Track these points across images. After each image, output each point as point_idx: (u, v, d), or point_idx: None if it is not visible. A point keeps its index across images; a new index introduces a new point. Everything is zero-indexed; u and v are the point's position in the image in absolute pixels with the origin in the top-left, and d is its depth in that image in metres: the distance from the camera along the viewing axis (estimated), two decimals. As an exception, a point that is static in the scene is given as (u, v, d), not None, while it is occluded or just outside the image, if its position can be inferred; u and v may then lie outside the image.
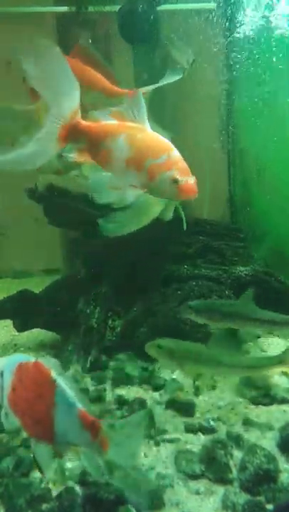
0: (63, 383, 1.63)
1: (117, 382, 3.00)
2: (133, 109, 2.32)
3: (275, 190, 4.40)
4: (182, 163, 2.21)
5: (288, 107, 4.13)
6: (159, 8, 4.47)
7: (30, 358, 1.68)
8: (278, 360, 2.51)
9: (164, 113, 4.95)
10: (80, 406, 1.59)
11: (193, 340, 3.20)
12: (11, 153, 2.12)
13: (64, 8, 4.73)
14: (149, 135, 2.30)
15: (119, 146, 2.29)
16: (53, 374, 1.62)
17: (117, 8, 4.56)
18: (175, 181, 2.15)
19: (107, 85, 3.00)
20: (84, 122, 2.32)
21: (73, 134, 2.32)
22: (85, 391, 2.90)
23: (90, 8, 4.74)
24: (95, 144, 2.36)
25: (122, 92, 2.94)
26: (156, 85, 3.03)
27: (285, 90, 4.15)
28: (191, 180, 2.17)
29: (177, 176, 2.15)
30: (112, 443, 1.53)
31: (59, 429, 1.56)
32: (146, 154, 2.23)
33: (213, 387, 2.92)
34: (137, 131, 2.31)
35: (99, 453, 1.53)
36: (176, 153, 2.22)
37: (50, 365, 1.64)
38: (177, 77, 3.01)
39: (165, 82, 3.09)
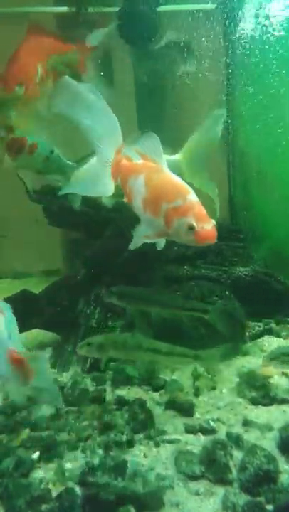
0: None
1: (117, 383, 2.99)
2: (149, 148, 2.28)
3: (275, 191, 4.41)
4: (199, 208, 2.12)
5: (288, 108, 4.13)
6: (158, 8, 4.47)
7: None
8: (194, 355, 2.58)
9: (163, 113, 4.96)
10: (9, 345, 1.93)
11: (193, 340, 3.22)
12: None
13: (64, 9, 4.73)
14: (166, 177, 2.24)
15: (139, 185, 2.26)
16: None
17: (116, 9, 4.56)
18: (191, 228, 2.06)
19: (59, 45, 3.08)
20: (124, 162, 2.32)
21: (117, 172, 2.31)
22: (85, 391, 2.90)
23: (90, 9, 4.74)
24: (124, 182, 2.34)
25: (70, 47, 3.01)
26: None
27: (285, 92, 4.15)
28: (208, 226, 2.08)
29: (193, 223, 2.06)
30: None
31: None
32: (162, 197, 2.17)
33: (213, 388, 2.92)
34: (155, 172, 2.26)
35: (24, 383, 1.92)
36: (192, 197, 2.14)
37: None
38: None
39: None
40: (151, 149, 2.28)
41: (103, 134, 2.21)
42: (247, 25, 4.20)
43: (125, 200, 2.40)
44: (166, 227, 2.16)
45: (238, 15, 4.21)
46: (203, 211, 2.12)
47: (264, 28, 4.14)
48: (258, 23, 4.15)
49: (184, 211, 2.09)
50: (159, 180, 2.25)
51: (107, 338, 2.64)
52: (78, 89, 2.14)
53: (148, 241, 2.34)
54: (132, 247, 2.39)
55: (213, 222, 2.09)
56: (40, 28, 3.03)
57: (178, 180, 2.22)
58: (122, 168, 2.33)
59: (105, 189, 2.29)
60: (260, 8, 4.12)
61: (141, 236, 2.30)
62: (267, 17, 4.11)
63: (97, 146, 2.21)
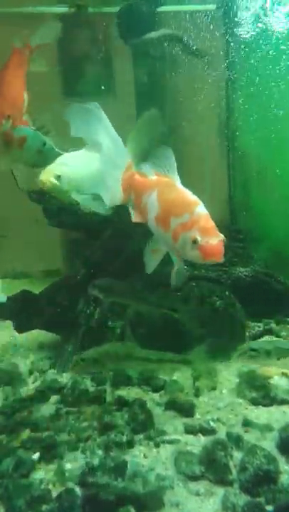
0: None
1: (117, 383, 2.99)
2: (162, 162, 2.23)
3: (275, 191, 4.41)
4: (205, 221, 1.98)
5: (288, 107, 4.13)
6: (158, 9, 4.47)
7: None
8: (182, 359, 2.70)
9: (163, 113, 4.95)
10: None
11: (192, 340, 3.22)
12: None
13: (64, 9, 4.73)
14: (177, 191, 2.15)
15: (152, 201, 2.19)
16: None
17: (116, 9, 4.57)
18: (195, 242, 1.92)
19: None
20: (137, 177, 2.28)
21: (129, 187, 2.28)
22: (85, 392, 2.90)
23: (90, 9, 4.74)
24: (138, 198, 2.27)
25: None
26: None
27: (285, 91, 4.15)
28: (214, 241, 1.93)
29: (197, 236, 1.92)
30: None
31: None
32: (171, 212, 2.07)
33: (213, 388, 2.92)
34: (167, 187, 2.19)
35: None
36: (200, 210, 2.02)
37: None
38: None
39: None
40: (165, 163, 2.23)
41: (110, 151, 2.20)
42: (248, 25, 4.20)
43: (135, 219, 2.33)
44: (174, 243, 2.05)
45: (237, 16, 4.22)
46: (210, 224, 1.98)
47: (265, 26, 4.15)
48: (259, 23, 4.15)
49: (189, 225, 1.97)
50: (170, 196, 2.16)
51: (99, 352, 2.59)
52: (88, 112, 2.15)
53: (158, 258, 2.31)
54: (147, 270, 2.38)
55: (222, 236, 1.97)
56: (22, 51, 3.01)
57: (187, 194, 2.12)
58: (136, 185, 2.28)
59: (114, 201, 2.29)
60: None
61: (151, 254, 2.28)
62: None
63: (105, 162, 2.22)
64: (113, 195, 2.27)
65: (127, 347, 2.66)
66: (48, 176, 2.57)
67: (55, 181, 2.57)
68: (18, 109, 2.80)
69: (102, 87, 4.92)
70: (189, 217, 1.99)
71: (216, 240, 1.94)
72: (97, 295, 3.04)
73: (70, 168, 2.64)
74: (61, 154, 2.75)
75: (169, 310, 3.00)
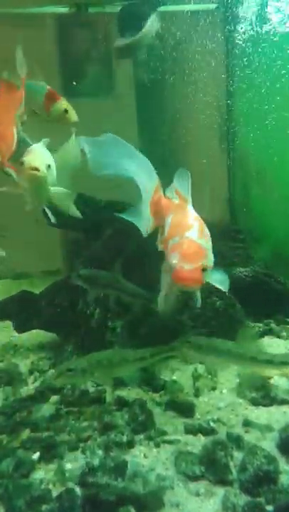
0: None
1: (117, 384, 2.99)
2: (181, 185, 2.26)
3: (275, 192, 4.41)
4: (188, 246, 1.92)
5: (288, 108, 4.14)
6: (159, 9, 4.47)
7: None
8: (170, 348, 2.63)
9: (162, 114, 4.96)
10: None
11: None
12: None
13: (64, 9, 4.73)
14: (182, 215, 2.15)
15: (168, 224, 2.18)
16: None
17: (117, 9, 4.57)
18: (173, 265, 1.87)
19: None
20: (163, 200, 2.29)
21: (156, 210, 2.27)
22: (85, 392, 2.89)
23: (90, 9, 4.75)
24: (163, 219, 2.26)
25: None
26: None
27: (285, 92, 4.16)
28: (189, 267, 1.83)
29: (174, 260, 1.87)
30: None
31: None
32: (170, 235, 2.05)
33: (213, 389, 2.92)
34: (179, 210, 2.19)
35: None
36: (190, 234, 1.98)
37: None
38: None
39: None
40: (183, 186, 2.24)
41: (142, 176, 2.21)
42: (247, 27, 4.21)
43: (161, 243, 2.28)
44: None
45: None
46: (192, 250, 1.90)
47: (265, 29, 4.15)
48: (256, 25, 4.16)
49: (174, 248, 1.94)
50: (176, 219, 2.16)
51: (90, 360, 2.50)
52: (106, 146, 2.20)
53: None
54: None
55: (202, 264, 1.87)
56: (9, 85, 2.98)
57: (189, 218, 2.11)
58: (163, 207, 2.27)
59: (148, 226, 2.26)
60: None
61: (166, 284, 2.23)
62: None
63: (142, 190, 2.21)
64: (146, 221, 2.24)
65: (120, 352, 2.65)
66: (38, 165, 2.39)
67: (45, 172, 2.42)
68: (7, 146, 2.69)
69: (102, 88, 4.93)
70: (178, 241, 1.96)
71: (191, 267, 1.84)
72: (81, 285, 3.09)
73: (50, 160, 2.56)
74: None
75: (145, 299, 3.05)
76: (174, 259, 1.87)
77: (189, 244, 1.92)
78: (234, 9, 4.27)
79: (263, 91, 4.26)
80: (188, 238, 1.95)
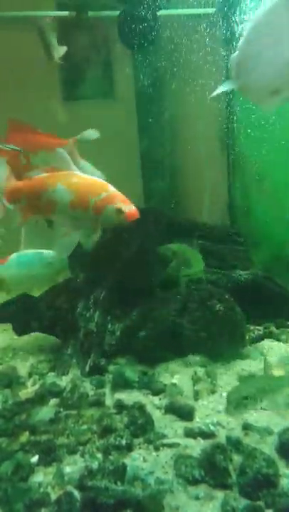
0: None
1: (117, 387, 2.99)
2: (59, 162, 2.83)
3: (275, 195, 4.42)
4: (121, 196, 2.70)
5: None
6: (159, 13, 4.49)
7: None
8: None
9: (163, 118, 4.97)
10: None
11: (192, 344, 3.23)
12: None
13: (64, 14, 4.75)
14: (84, 178, 2.79)
15: (60, 193, 2.76)
16: None
17: (117, 13, 4.59)
18: (120, 211, 2.64)
19: (48, 141, 3.27)
20: (18, 182, 2.87)
21: (13, 196, 2.86)
22: (84, 395, 2.89)
23: (90, 14, 4.76)
24: (34, 198, 2.84)
25: (61, 142, 3.23)
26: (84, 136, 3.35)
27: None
28: (132, 208, 2.67)
29: (121, 207, 2.65)
30: None
31: None
32: (89, 193, 2.70)
33: (213, 392, 2.92)
34: (71, 177, 2.78)
35: None
36: (112, 189, 2.71)
37: None
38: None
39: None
40: (59, 162, 2.83)
41: None
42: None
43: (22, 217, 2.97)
44: (96, 216, 2.69)
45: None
46: (124, 198, 2.70)
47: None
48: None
49: (111, 200, 2.67)
50: (80, 183, 2.77)
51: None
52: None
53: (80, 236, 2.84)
54: (63, 254, 3.25)
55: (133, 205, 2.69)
56: (20, 124, 3.13)
57: (98, 180, 2.81)
58: (31, 185, 2.84)
59: None
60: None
61: (73, 237, 2.86)
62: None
63: None
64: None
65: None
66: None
67: None
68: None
69: (102, 91, 4.95)
70: (107, 195, 2.69)
71: (133, 207, 2.69)
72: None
73: None
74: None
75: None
76: (120, 206, 2.66)
77: (120, 195, 2.71)
78: (234, 13, 4.28)
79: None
80: (115, 191, 2.72)
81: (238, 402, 2.47)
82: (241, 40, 2.17)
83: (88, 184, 2.77)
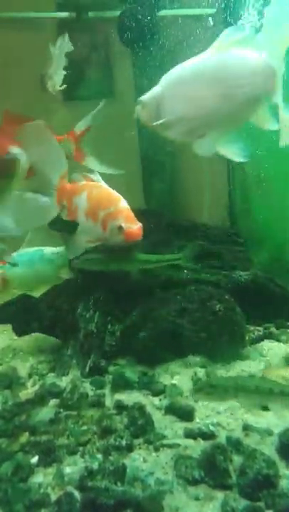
0: None
1: (117, 387, 2.99)
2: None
3: (275, 196, 4.42)
4: (127, 212, 2.61)
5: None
6: (159, 13, 4.49)
7: None
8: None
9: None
10: None
11: (192, 344, 3.22)
12: None
13: (65, 14, 4.75)
14: (102, 190, 2.80)
15: (82, 200, 2.81)
16: None
17: (117, 13, 4.59)
18: (120, 228, 2.58)
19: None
20: (66, 185, 2.88)
21: (60, 196, 2.86)
22: (84, 396, 2.89)
23: (91, 14, 4.77)
24: (69, 202, 2.88)
25: (61, 139, 3.20)
26: (87, 121, 3.28)
27: (286, 97, 4.16)
28: (134, 227, 2.58)
29: (122, 224, 2.57)
30: None
31: None
32: (99, 206, 2.68)
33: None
34: (94, 188, 2.82)
35: None
36: (122, 204, 2.65)
37: None
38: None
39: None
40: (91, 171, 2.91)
41: (47, 165, 2.73)
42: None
43: (67, 217, 2.92)
44: (103, 230, 2.65)
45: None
46: (131, 214, 2.61)
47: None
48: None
49: (114, 215, 2.61)
50: (97, 194, 2.79)
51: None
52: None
53: (90, 245, 2.81)
54: (71, 255, 3.06)
55: (140, 224, 2.59)
56: (18, 116, 3.06)
57: (111, 192, 2.76)
58: (67, 191, 2.87)
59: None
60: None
61: (83, 241, 2.81)
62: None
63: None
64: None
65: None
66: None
67: None
68: None
69: (102, 92, 4.94)
70: (114, 209, 2.63)
71: (136, 226, 2.58)
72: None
73: None
74: None
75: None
76: (121, 223, 2.57)
77: (128, 211, 2.63)
78: (234, 13, 4.27)
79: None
80: (124, 206, 2.65)
81: (200, 387, 2.44)
82: (164, 81, 2.25)
83: (101, 197, 2.76)
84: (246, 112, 2.21)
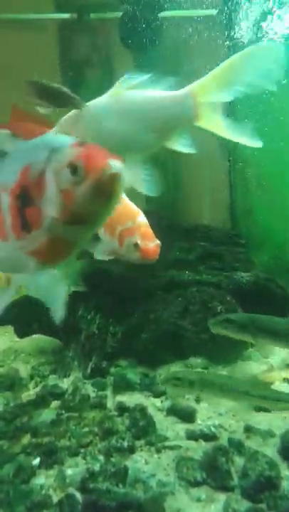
0: None
1: (118, 389, 2.99)
2: None
3: (276, 197, 4.41)
4: (145, 229, 2.41)
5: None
6: (160, 14, 4.49)
7: None
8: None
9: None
10: None
11: (193, 346, 3.22)
12: None
13: (65, 15, 4.75)
14: (122, 204, 2.48)
15: None
16: None
17: (118, 15, 4.58)
18: (136, 245, 2.37)
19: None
20: None
21: None
22: (85, 397, 2.89)
23: (92, 15, 4.77)
24: None
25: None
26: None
27: (285, 97, 4.16)
28: (151, 245, 2.38)
29: (138, 241, 2.37)
30: None
31: None
32: (117, 221, 2.44)
33: (215, 394, 2.91)
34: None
35: None
36: (140, 219, 2.44)
37: None
38: None
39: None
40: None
41: None
42: (249, 33, 4.23)
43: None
44: (119, 246, 2.46)
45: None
46: (149, 231, 2.40)
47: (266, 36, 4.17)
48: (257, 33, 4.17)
49: (131, 232, 2.40)
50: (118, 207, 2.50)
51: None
52: None
53: (107, 259, 2.59)
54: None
55: (158, 241, 2.39)
56: (24, 112, 3.02)
57: (131, 206, 2.52)
58: None
59: None
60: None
61: (100, 253, 2.57)
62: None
63: None
64: None
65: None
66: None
67: None
68: None
69: (103, 93, 4.93)
70: (132, 225, 2.41)
71: (153, 244, 2.37)
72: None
73: None
74: None
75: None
76: (137, 240, 2.36)
77: (146, 227, 2.42)
78: (236, 15, 4.28)
79: (264, 97, 4.26)
80: (142, 222, 2.43)
81: (167, 379, 2.43)
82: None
83: (119, 210, 2.48)
84: (156, 140, 2.24)
